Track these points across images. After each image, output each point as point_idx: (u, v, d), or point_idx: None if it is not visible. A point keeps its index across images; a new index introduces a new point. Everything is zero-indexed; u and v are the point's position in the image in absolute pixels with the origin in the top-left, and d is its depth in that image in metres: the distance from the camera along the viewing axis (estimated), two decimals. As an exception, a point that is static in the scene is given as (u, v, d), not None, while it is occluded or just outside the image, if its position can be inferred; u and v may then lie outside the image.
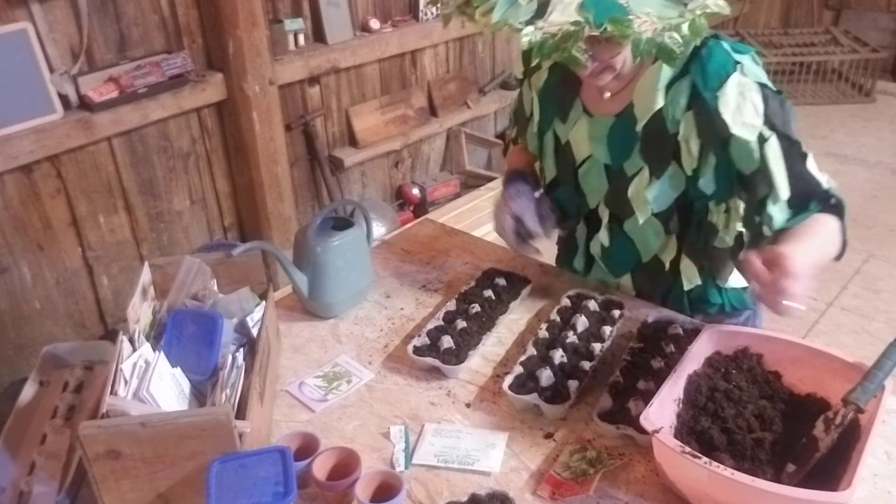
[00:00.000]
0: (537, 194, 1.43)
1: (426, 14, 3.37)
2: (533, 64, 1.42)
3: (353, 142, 3.29)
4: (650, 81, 1.23)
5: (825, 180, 1.21)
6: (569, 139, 1.36)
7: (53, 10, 2.28)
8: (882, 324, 2.90)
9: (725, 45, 1.20)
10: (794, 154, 1.19)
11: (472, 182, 3.70)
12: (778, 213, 1.18)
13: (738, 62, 1.19)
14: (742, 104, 1.18)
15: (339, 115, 3.23)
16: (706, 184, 1.25)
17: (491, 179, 3.62)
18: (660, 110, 1.23)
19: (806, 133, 5.02)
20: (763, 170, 1.18)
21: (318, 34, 3.04)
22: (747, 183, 1.21)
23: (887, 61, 5.28)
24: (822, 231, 1.16)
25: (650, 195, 1.28)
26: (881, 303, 3.05)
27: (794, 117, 1.22)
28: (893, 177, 4.12)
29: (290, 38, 2.93)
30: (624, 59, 1.17)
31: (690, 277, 1.39)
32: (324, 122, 3.18)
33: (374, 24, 3.18)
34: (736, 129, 1.18)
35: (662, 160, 1.26)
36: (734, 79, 1.18)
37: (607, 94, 1.28)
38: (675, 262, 1.38)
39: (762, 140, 1.18)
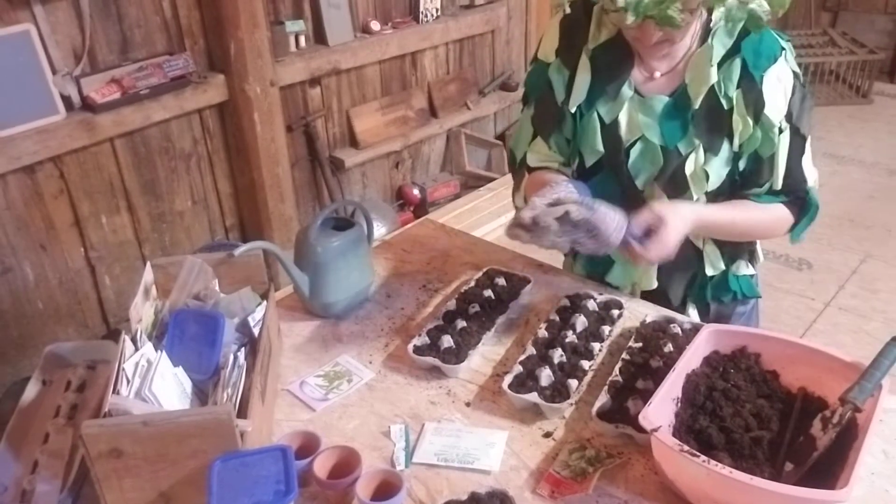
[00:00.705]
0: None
1: (426, 16, 3.38)
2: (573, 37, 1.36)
3: (353, 143, 3.30)
4: (702, 60, 1.26)
5: (812, 179, 1.32)
6: (617, 119, 1.32)
7: (56, 11, 2.29)
8: (879, 323, 2.91)
9: (772, 32, 1.26)
10: (795, 149, 1.29)
11: (471, 183, 3.71)
12: (759, 193, 1.32)
13: (783, 48, 1.25)
14: (777, 88, 1.25)
15: (339, 116, 3.24)
16: (744, 161, 1.30)
17: (491, 180, 3.63)
18: (713, 86, 1.26)
19: (805, 134, 4.78)
20: (772, 158, 1.28)
21: (318, 36, 3.05)
22: (761, 165, 1.29)
23: (884, 63, 5.28)
24: (751, 215, 1.31)
25: (711, 171, 1.30)
26: (879, 303, 3.05)
27: (809, 110, 1.29)
28: (891, 177, 4.13)
29: (291, 39, 2.93)
30: (684, 34, 1.22)
31: (714, 262, 1.41)
32: (324, 123, 3.19)
33: (375, 25, 3.19)
34: (768, 111, 1.25)
35: (716, 137, 1.28)
36: (780, 63, 1.25)
37: (658, 74, 1.30)
38: (700, 247, 1.40)
39: (780, 130, 1.26)
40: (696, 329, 1.24)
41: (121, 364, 1.00)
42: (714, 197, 1.33)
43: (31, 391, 1.19)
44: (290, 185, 2.98)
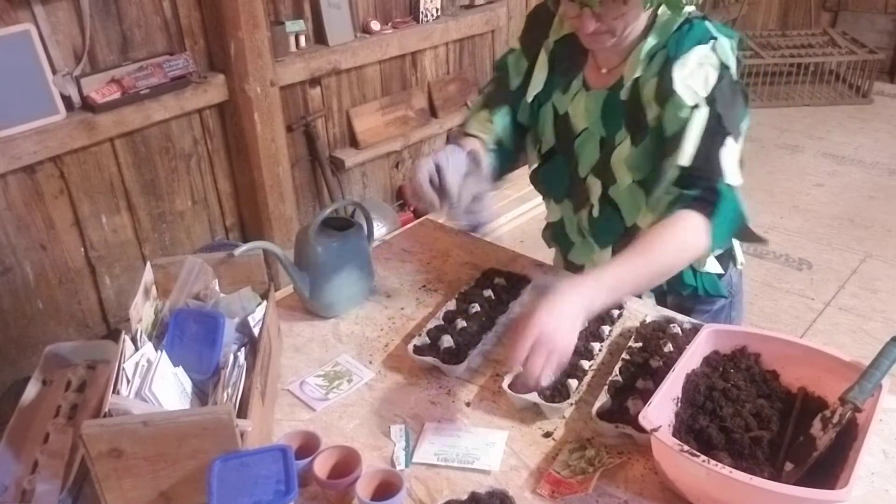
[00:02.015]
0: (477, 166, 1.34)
1: (426, 16, 3.38)
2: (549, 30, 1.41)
3: (353, 142, 3.30)
4: (636, 54, 1.28)
5: (734, 178, 1.20)
6: (568, 111, 1.39)
7: (56, 11, 2.29)
8: (879, 323, 2.91)
9: (709, 25, 1.25)
10: (714, 134, 1.20)
11: (472, 183, 3.71)
12: (670, 175, 1.21)
13: (714, 39, 1.22)
14: (696, 72, 1.21)
15: (339, 116, 3.24)
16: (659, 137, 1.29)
17: (491, 180, 3.63)
18: (637, 79, 1.28)
19: (803, 134, 4.98)
20: (680, 133, 1.20)
21: (318, 36, 3.05)
22: (666, 144, 1.23)
23: (884, 63, 5.29)
24: (659, 246, 1.15)
25: (630, 163, 1.31)
26: (878, 302, 3.06)
27: (740, 108, 1.23)
28: (890, 177, 4.13)
29: (291, 39, 2.93)
30: (625, 25, 1.22)
31: None
32: (325, 123, 3.19)
33: (375, 25, 3.19)
34: (678, 88, 1.20)
35: (641, 127, 1.29)
36: (702, 49, 1.22)
37: (604, 70, 1.33)
38: None
39: (694, 108, 1.20)
40: (695, 329, 1.24)
41: (121, 364, 1.00)
42: (648, 185, 1.29)
43: (31, 391, 1.20)
44: (290, 185, 2.98)
